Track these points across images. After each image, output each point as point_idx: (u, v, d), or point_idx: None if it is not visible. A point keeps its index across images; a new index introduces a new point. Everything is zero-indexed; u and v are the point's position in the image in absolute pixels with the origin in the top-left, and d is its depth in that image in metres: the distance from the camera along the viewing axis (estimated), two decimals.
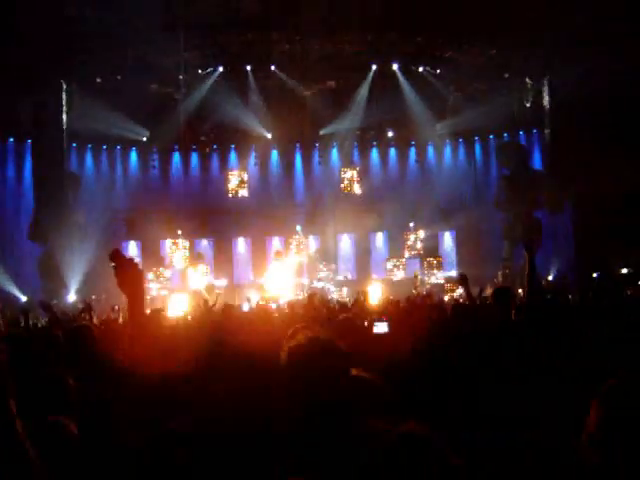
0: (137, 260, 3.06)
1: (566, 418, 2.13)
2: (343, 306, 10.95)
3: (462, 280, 7.50)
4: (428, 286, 22.47)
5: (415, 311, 7.62)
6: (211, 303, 10.26)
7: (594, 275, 20.19)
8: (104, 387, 3.25)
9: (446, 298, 19.74)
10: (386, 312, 7.53)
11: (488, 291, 11.09)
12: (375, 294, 13.58)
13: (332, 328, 5.48)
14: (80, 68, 20.38)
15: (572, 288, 14.75)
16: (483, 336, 4.85)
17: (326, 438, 2.25)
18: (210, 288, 18.82)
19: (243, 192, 25.54)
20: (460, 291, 18.80)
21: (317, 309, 8.94)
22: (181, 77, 21.81)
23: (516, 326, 5.27)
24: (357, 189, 25.69)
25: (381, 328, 4.59)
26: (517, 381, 3.70)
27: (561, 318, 5.64)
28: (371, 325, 4.69)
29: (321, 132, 24.58)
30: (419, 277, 23.02)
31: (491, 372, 3.93)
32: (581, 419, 2.07)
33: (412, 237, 25.33)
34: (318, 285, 21.69)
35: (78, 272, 21.37)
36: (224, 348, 4.14)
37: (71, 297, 20.66)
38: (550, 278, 21.28)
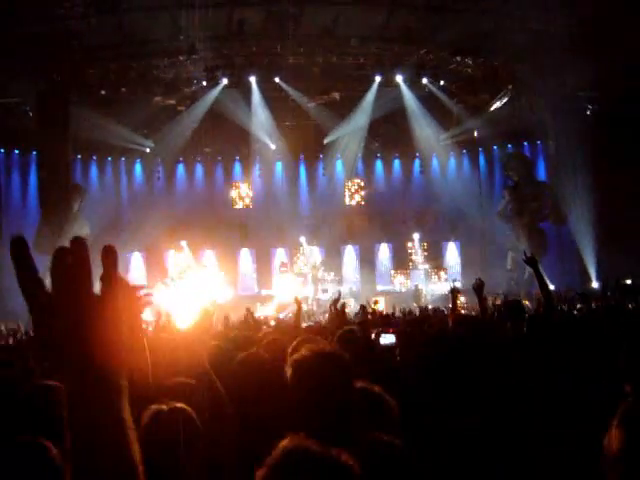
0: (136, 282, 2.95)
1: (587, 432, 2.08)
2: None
3: (479, 287, 7.36)
4: (429, 298, 22.42)
5: (421, 323, 7.57)
6: (214, 316, 10.23)
7: (596, 285, 20.19)
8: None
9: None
10: (390, 324, 7.49)
11: (489, 302, 11.05)
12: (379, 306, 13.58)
13: (336, 340, 5.46)
14: (85, 80, 20.47)
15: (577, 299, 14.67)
16: (495, 350, 4.83)
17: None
18: (213, 304, 18.78)
19: (247, 203, 25.58)
20: (462, 299, 18.71)
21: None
22: (185, 89, 21.87)
23: (529, 340, 5.24)
24: (361, 200, 25.73)
25: (388, 340, 4.57)
26: (530, 397, 3.67)
27: (576, 330, 5.62)
28: (377, 337, 4.67)
29: (325, 141, 24.60)
30: (421, 289, 23.04)
31: (502, 387, 3.90)
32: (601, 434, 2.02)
33: (416, 248, 25.32)
34: (323, 297, 21.64)
35: None
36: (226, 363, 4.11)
37: None
38: (552, 287, 21.19)
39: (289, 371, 2.48)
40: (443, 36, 19.46)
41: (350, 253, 26.38)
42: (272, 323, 13.32)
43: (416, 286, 23.53)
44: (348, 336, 5.43)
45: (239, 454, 2.87)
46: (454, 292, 7.35)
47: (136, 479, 1.11)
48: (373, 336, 4.85)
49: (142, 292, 2.85)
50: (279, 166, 26.18)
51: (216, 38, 19.99)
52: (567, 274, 21.95)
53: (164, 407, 2.71)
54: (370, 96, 22.64)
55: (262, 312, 19.17)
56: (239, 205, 25.66)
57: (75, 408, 1.07)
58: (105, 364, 1.11)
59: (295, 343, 3.70)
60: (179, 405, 2.74)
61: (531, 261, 6.24)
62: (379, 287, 25.01)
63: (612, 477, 1.85)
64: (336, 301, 8.91)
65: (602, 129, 19.51)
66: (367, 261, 26.15)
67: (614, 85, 20.03)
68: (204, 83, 21.59)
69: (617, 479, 1.84)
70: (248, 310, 10.61)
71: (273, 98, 22.71)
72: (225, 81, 21.60)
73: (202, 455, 2.67)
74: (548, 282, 18.75)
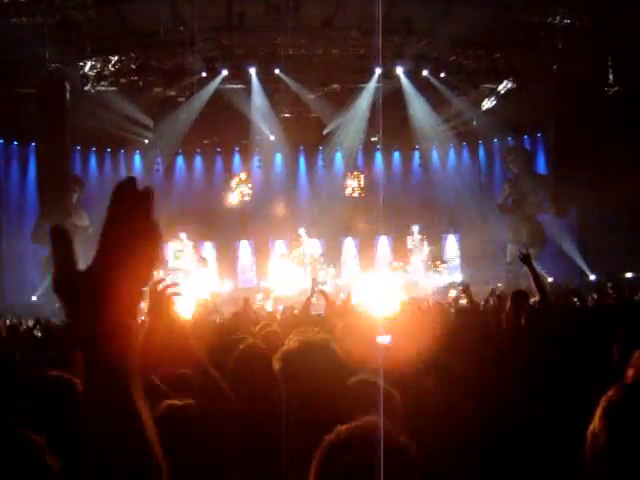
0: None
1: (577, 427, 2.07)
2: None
3: (465, 290, 7.46)
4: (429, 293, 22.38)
5: (419, 317, 7.56)
6: (212, 308, 10.26)
7: (592, 278, 20.23)
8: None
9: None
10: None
11: (492, 295, 11.04)
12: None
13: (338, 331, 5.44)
14: (84, 71, 20.40)
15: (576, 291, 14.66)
16: (492, 341, 4.84)
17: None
18: (212, 295, 18.85)
19: (246, 195, 25.54)
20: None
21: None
22: (185, 80, 21.80)
23: (531, 330, 5.26)
24: (361, 192, 25.67)
25: (383, 339, 4.53)
26: (531, 388, 3.67)
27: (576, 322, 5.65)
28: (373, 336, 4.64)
29: (324, 132, 24.53)
30: (421, 283, 23.03)
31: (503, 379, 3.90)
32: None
33: (416, 241, 25.28)
34: (322, 289, 21.61)
35: None
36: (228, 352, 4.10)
37: None
38: (550, 280, 21.27)
39: (277, 364, 2.44)
40: (443, 28, 19.39)
41: (350, 245, 26.36)
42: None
43: (416, 280, 23.56)
44: (350, 328, 5.43)
45: (242, 447, 2.86)
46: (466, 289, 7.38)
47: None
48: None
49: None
50: (278, 158, 26.13)
51: (216, 29, 19.93)
52: (567, 266, 21.99)
53: (177, 402, 2.70)
54: (370, 88, 22.57)
55: (261, 304, 19.17)
56: (238, 197, 25.60)
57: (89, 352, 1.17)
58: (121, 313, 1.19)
59: (291, 335, 3.69)
60: (191, 402, 2.72)
61: (526, 258, 6.32)
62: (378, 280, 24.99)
63: (596, 469, 1.84)
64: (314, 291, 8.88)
65: (603, 121, 19.48)
66: (366, 253, 26.13)
67: (616, 76, 20.02)
68: (204, 74, 21.51)
69: (601, 472, 1.82)
70: (246, 301, 10.55)
71: (273, 89, 22.63)
72: (225, 72, 21.52)
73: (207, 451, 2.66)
74: (546, 275, 18.78)
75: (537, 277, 6.25)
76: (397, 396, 2.70)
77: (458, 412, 3.30)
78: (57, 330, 9.65)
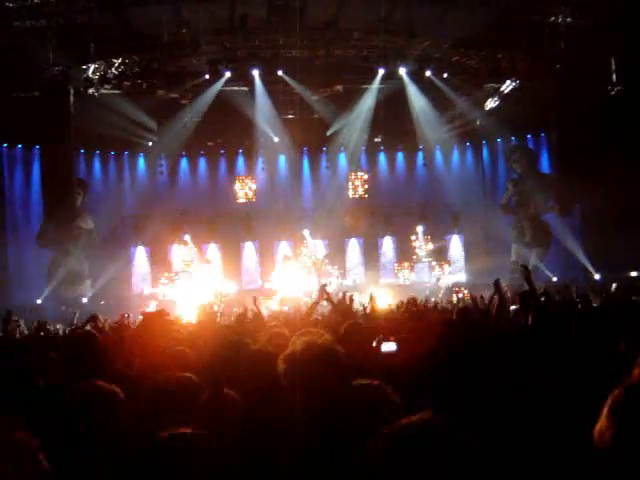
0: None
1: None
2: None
3: (496, 285, 7.40)
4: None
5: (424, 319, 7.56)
6: (217, 309, 10.27)
7: (597, 277, 20.20)
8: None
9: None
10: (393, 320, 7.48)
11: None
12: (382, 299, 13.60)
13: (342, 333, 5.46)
14: (88, 74, 20.44)
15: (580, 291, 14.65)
16: (499, 342, 4.85)
17: (330, 451, 2.20)
18: (218, 296, 18.89)
19: (251, 197, 25.57)
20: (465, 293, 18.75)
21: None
22: (188, 82, 21.83)
23: (537, 331, 5.28)
24: (365, 193, 25.69)
25: (389, 347, 4.53)
26: (536, 390, 3.67)
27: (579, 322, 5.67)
28: (379, 344, 4.63)
29: (328, 133, 24.54)
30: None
31: (508, 380, 3.90)
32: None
33: (420, 241, 25.31)
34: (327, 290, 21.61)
35: (88, 277, 21.47)
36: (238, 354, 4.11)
37: (85, 300, 20.86)
38: (555, 279, 21.26)
39: (281, 365, 2.44)
40: (446, 28, 19.38)
41: (354, 246, 26.38)
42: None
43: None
44: (354, 329, 5.44)
45: (246, 452, 2.86)
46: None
47: None
48: (374, 344, 4.80)
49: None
50: (282, 159, 26.16)
51: (219, 31, 19.94)
52: (571, 266, 21.96)
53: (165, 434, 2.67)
54: (373, 89, 22.57)
55: (266, 305, 19.20)
56: (242, 199, 25.63)
57: None
58: None
59: (294, 337, 3.70)
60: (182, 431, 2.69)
61: (526, 276, 6.44)
62: (383, 280, 25.03)
63: (603, 467, 1.85)
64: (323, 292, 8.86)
65: (606, 120, 19.45)
66: (371, 254, 26.15)
67: (619, 76, 20.00)
68: (207, 77, 21.54)
69: (608, 469, 1.84)
70: (256, 299, 10.54)
71: (276, 91, 22.64)
72: (228, 74, 21.54)
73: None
74: (550, 274, 18.82)
75: (532, 287, 6.37)
76: (399, 401, 2.71)
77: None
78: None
